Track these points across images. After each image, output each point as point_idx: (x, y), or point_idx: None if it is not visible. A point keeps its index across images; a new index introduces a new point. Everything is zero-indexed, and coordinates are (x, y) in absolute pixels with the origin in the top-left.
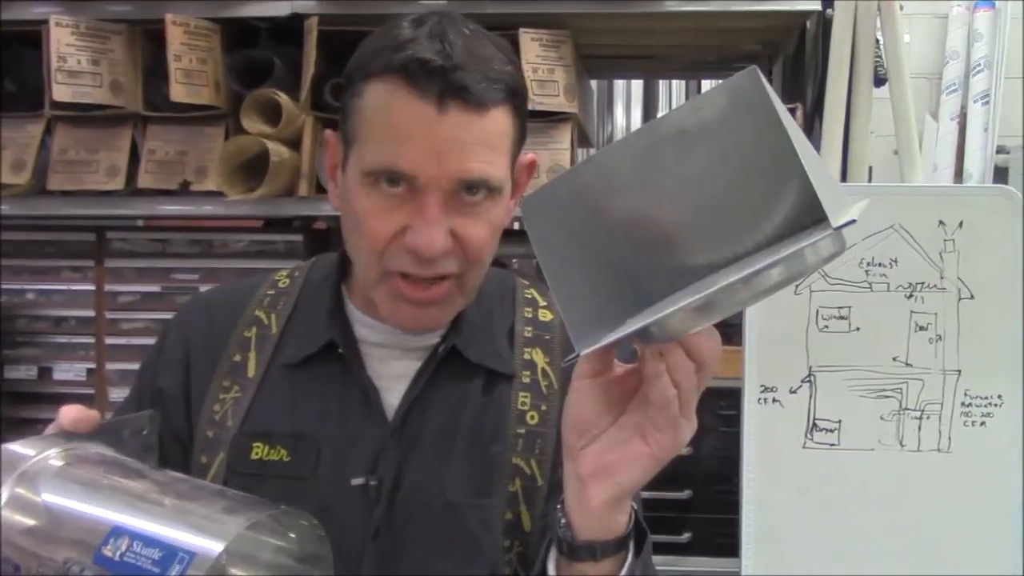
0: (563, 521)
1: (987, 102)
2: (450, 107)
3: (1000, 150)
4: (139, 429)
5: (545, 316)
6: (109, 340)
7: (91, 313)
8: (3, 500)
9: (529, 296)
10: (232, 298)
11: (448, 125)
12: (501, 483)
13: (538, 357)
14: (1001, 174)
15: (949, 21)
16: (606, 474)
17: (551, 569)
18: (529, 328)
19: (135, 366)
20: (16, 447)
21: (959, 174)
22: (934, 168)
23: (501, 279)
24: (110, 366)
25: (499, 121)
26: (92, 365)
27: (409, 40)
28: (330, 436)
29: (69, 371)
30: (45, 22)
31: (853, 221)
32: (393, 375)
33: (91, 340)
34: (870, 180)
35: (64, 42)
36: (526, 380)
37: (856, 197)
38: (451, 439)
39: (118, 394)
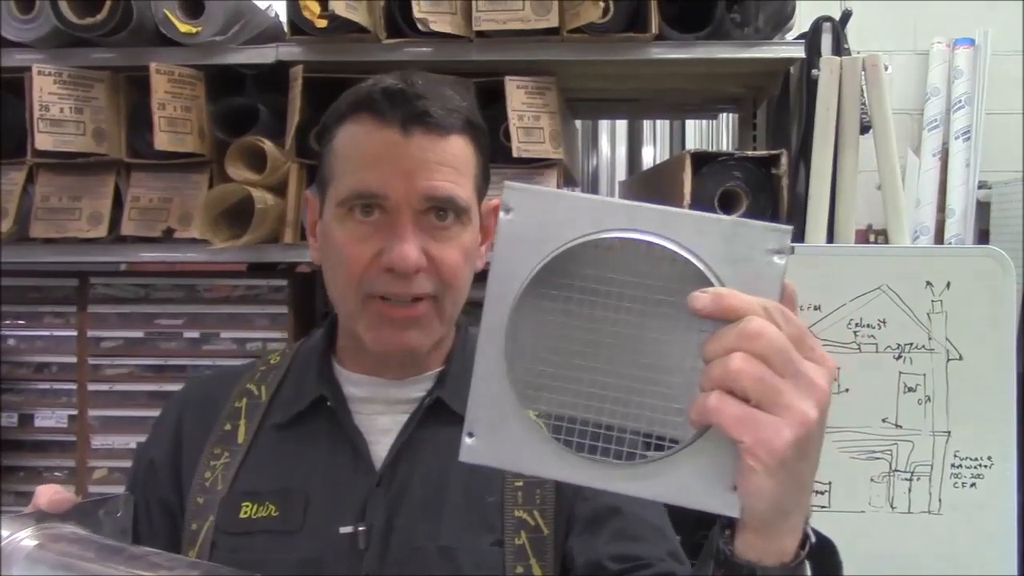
0: (727, 532)
1: (968, 138)
2: (413, 131)
3: (982, 185)
4: (114, 511)
5: None
6: (92, 386)
7: (73, 359)
8: None
9: None
10: (227, 375)
11: (413, 147)
12: (504, 535)
13: None
14: (983, 209)
15: (930, 58)
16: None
17: None
18: None
19: (118, 412)
20: None
21: (941, 209)
22: (917, 203)
23: None
24: (92, 412)
25: (460, 147)
26: (74, 412)
27: (373, 83)
28: (318, 489)
29: (51, 418)
30: (28, 69)
31: None
32: (380, 429)
33: (73, 386)
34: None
35: (47, 90)
36: None
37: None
38: (442, 487)
39: (100, 441)
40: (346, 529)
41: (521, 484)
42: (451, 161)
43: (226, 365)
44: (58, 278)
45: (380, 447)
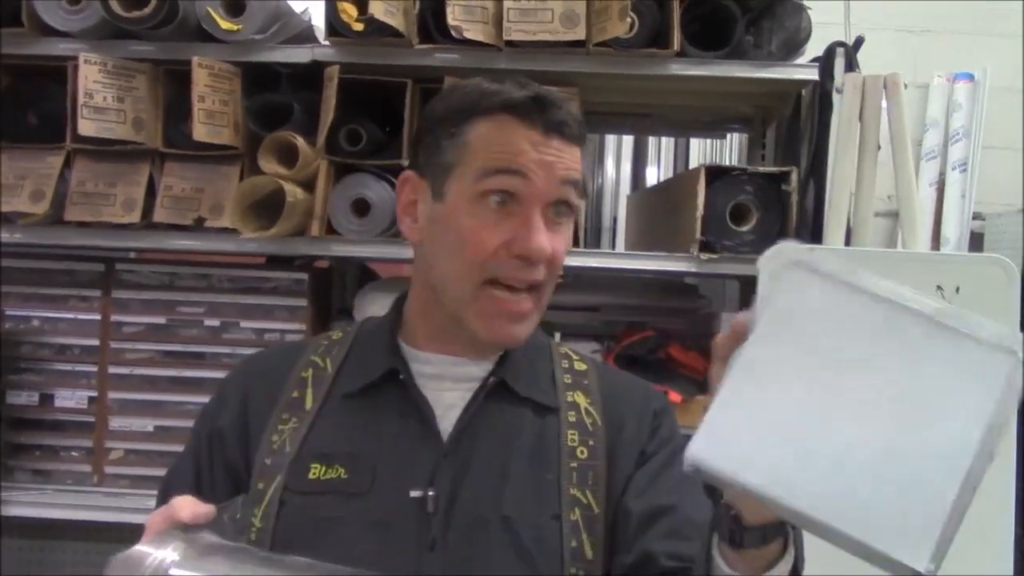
0: (732, 513)
1: (965, 170)
2: (552, 136)
3: (976, 216)
4: (233, 513)
5: (580, 367)
6: (112, 369)
7: (95, 342)
8: None
9: (564, 352)
10: (288, 349)
11: (552, 147)
12: (560, 510)
13: (580, 399)
14: (977, 240)
15: (930, 91)
16: None
17: (720, 562)
18: (568, 375)
19: (137, 396)
20: (136, 549)
21: (936, 239)
22: None
23: (538, 337)
24: (111, 395)
25: (580, 157)
26: (94, 393)
27: (500, 89)
28: (386, 455)
29: (70, 398)
30: (69, 58)
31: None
32: (445, 404)
33: (94, 369)
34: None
35: (91, 79)
36: (572, 419)
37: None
38: (504, 462)
39: (118, 423)
40: (416, 493)
41: (575, 465)
42: (577, 167)
43: (284, 342)
44: (84, 263)
45: (446, 421)
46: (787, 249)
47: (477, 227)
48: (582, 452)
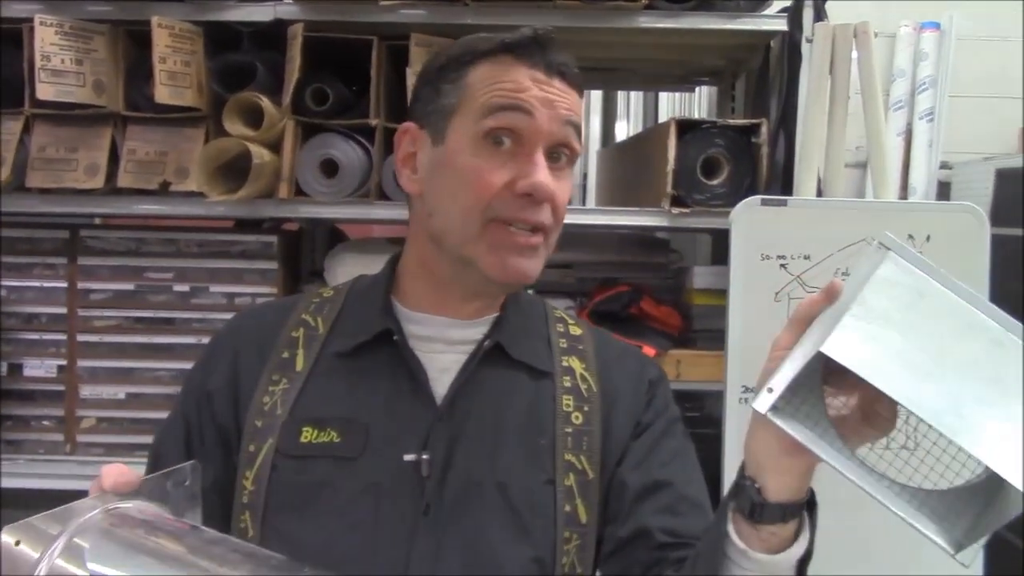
0: (756, 486)
1: (932, 119)
2: (553, 76)
3: (943, 166)
4: (182, 480)
5: (575, 331)
6: (81, 337)
7: (63, 310)
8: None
9: (559, 316)
10: (278, 306)
11: (555, 86)
12: (555, 475)
13: (575, 364)
14: (944, 189)
15: (896, 40)
16: None
17: (735, 537)
18: (563, 340)
19: (106, 363)
20: (58, 510)
21: (904, 188)
22: None
23: (533, 300)
24: (81, 363)
25: (580, 105)
26: (63, 362)
27: (501, 34)
28: (379, 419)
29: (40, 367)
30: (25, 20)
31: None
32: (439, 367)
33: (63, 337)
34: (819, 190)
35: (48, 41)
36: (567, 384)
37: None
38: (498, 426)
39: (89, 391)
40: (410, 457)
41: (570, 430)
42: (577, 111)
43: (272, 300)
44: (49, 230)
45: (439, 385)
46: (889, 240)
47: (480, 167)
48: (577, 417)
